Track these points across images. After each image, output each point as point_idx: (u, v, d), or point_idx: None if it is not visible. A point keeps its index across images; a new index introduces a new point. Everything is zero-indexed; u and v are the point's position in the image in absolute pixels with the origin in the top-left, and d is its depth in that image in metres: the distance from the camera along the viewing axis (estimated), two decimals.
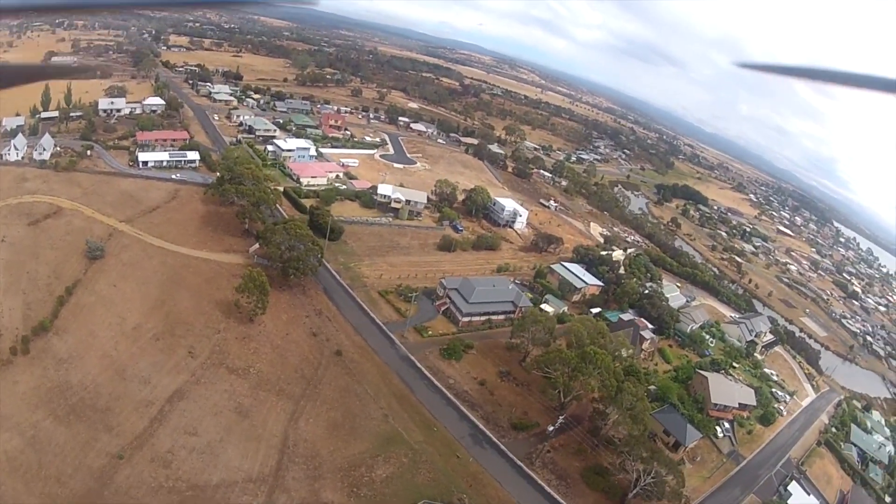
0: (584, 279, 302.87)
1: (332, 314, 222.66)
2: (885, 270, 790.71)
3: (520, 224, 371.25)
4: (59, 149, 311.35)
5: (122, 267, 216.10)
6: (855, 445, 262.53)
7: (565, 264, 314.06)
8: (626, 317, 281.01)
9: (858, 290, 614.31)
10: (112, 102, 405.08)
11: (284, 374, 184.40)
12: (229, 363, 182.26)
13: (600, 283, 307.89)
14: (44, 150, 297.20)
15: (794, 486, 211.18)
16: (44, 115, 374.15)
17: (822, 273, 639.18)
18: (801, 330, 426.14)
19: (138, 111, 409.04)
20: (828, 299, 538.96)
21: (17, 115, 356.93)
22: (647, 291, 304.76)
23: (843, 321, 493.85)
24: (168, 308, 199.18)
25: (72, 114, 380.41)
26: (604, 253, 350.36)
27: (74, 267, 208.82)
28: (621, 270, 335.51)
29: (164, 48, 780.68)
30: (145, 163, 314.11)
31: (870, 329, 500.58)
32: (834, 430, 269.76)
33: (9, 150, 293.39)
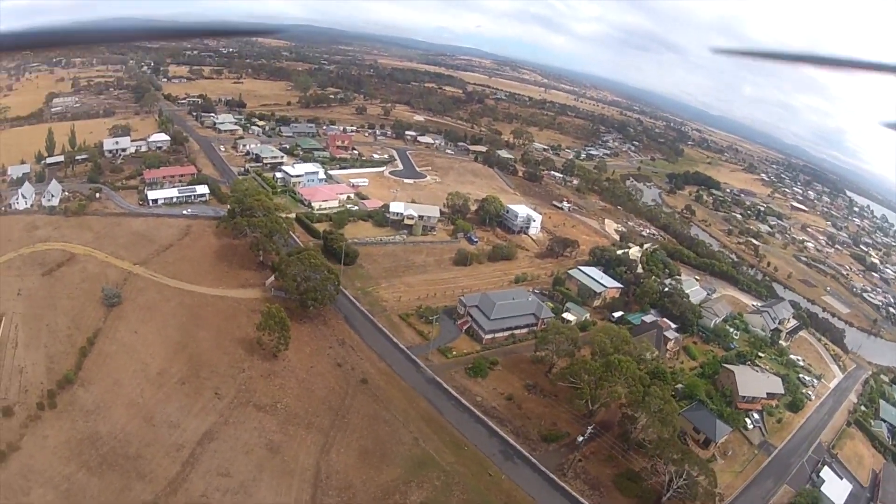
0: (603, 283, 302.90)
1: (354, 343, 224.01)
2: None
3: (534, 229, 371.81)
4: (67, 194, 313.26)
5: (141, 311, 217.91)
6: (885, 421, 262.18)
7: (583, 268, 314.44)
8: (649, 319, 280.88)
9: (877, 260, 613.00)
10: (117, 142, 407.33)
11: (312, 407, 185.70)
12: (256, 401, 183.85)
13: (619, 285, 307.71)
14: (52, 196, 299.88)
15: (826, 472, 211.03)
16: (49, 160, 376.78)
17: (840, 247, 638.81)
18: (824, 309, 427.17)
19: (144, 149, 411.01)
20: (847, 274, 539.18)
21: (23, 162, 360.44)
22: (667, 289, 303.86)
23: (865, 295, 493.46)
24: (190, 350, 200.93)
25: (77, 157, 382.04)
26: (620, 252, 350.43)
27: (93, 315, 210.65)
28: (639, 269, 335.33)
29: (165, 80, 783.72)
30: (155, 200, 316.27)
31: (891, 300, 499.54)
32: (863, 408, 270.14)
33: (17, 198, 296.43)
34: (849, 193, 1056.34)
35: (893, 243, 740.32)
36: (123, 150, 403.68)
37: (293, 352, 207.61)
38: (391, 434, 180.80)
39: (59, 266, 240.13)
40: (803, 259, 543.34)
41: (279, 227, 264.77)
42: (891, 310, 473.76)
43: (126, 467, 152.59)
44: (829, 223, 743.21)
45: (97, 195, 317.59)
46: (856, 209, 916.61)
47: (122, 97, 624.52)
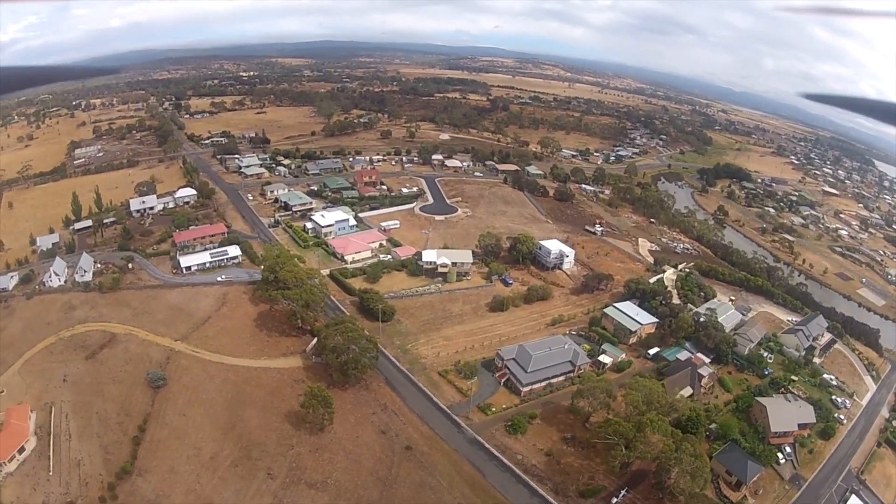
0: (639, 319, 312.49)
1: (397, 406, 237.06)
2: None
3: (568, 264, 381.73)
4: (99, 265, 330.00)
5: (187, 392, 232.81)
6: None
7: (618, 305, 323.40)
8: (683, 356, 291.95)
9: None
10: (143, 202, 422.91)
11: (360, 480, 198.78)
12: (307, 478, 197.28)
13: (655, 320, 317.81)
14: (84, 272, 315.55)
15: (853, 501, 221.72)
16: (77, 225, 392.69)
17: (873, 230, 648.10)
18: (860, 304, 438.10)
19: (171, 205, 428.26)
20: (882, 260, 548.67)
21: (51, 231, 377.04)
22: (702, 319, 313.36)
23: None
24: (239, 430, 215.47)
25: (105, 220, 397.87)
26: (654, 280, 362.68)
27: (140, 400, 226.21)
28: (674, 298, 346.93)
29: (187, 116, 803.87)
30: (188, 268, 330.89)
31: None
32: (895, 423, 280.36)
33: (49, 276, 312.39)
34: (877, 164, 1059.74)
35: None
36: (151, 208, 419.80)
37: (338, 422, 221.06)
38: (436, 500, 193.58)
39: (102, 348, 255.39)
40: (838, 249, 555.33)
41: (314, 296, 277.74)
42: None
43: None
44: (861, 205, 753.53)
45: (129, 266, 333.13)
46: (886, 183, 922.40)
47: (145, 141, 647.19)
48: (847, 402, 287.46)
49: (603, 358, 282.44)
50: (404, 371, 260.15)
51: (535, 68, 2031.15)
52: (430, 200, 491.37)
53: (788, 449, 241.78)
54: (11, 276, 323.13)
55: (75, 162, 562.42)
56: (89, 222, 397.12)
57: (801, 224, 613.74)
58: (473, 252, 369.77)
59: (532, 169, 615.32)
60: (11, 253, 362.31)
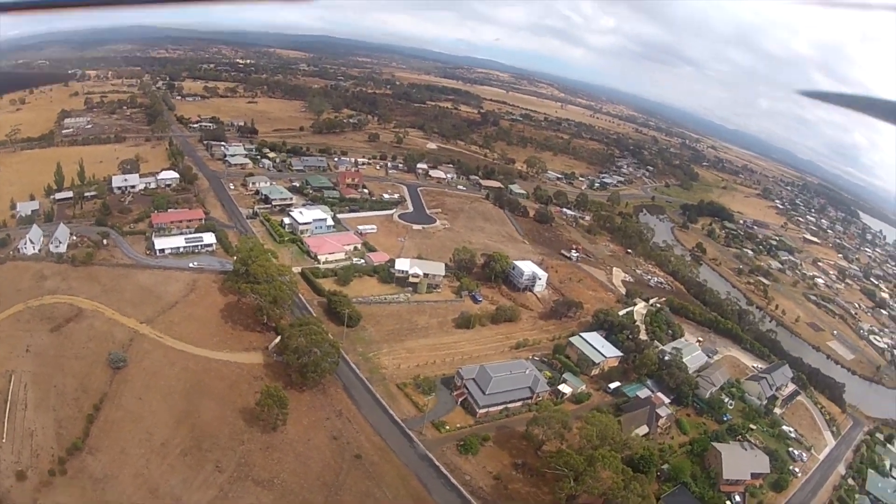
0: (603, 352, 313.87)
1: (351, 414, 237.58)
2: None
3: (539, 287, 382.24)
4: (75, 238, 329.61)
5: (146, 376, 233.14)
6: (869, 494, 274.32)
7: (583, 335, 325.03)
8: (643, 394, 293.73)
9: (886, 295, 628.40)
10: (126, 179, 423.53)
11: (307, 483, 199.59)
12: (255, 475, 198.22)
13: (619, 354, 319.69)
14: (60, 242, 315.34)
15: None
16: (58, 195, 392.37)
17: (850, 281, 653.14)
18: (829, 356, 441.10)
19: (153, 186, 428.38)
20: (856, 313, 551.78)
21: (32, 197, 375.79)
22: (666, 357, 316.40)
23: (871, 337, 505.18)
24: (193, 420, 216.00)
25: (86, 193, 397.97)
26: (623, 313, 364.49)
27: (100, 378, 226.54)
28: (642, 334, 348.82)
29: (179, 97, 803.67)
30: (162, 250, 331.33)
31: None
32: (850, 480, 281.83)
33: (25, 244, 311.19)
34: (862, 216, 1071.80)
35: None
36: (132, 187, 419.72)
37: (292, 423, 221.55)
38: None
39: (67, 322, 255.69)
40: (812, 298, 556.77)
41: (282, 294, 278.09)
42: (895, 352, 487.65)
43: None
44: (840, 255, 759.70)
45: (104, 242, 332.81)
46: (868, 235, 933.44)
47: (135, 118, 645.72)
48: (804, 455, 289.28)
49: (563, 387, 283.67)
50: (363, 379, 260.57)
51: (529, 85, 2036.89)
52: (410, 209, 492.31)
53: (738, 498, 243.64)
54: None
55: (64, 131, 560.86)
56: (70, 193, 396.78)
57: (779, 269, 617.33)
58: (447, 265, 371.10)
59: (515, 188, 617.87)
60: None
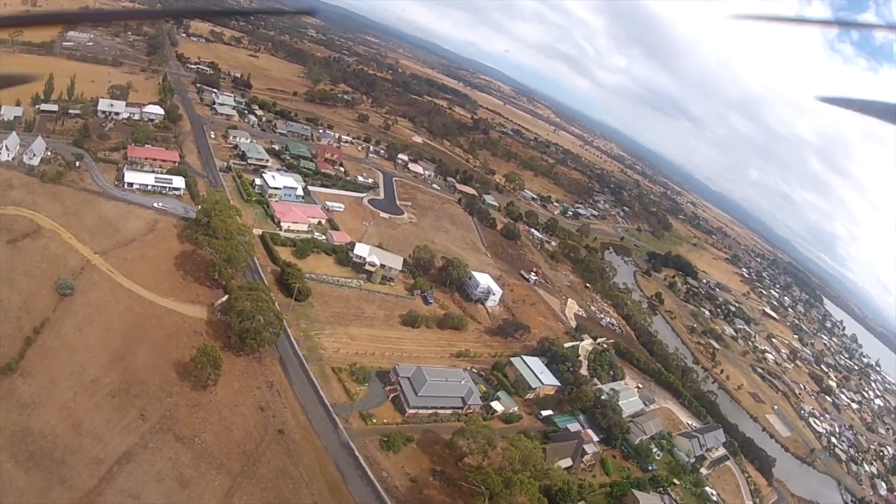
0: (541, 378, 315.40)
1: (282, 388, 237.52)
2: (865, 361, 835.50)
3: (492, 302, 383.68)
4: (49, 153, 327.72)
5: (90, 309, 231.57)
6: None
7: (525, 358, 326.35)
8: (573, 427, 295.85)
9: (833, 384, 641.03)
10: (112, 105, 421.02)
11: (227, 448, 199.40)
12: (177, 430, 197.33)
13: (557, 384, 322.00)
14: (34, 154, 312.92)
15: None
16: (43, 107, 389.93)
17: (800, 363, 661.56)
18: (764, 429, 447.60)
19: (136, 117, 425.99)
20: (800, 394, 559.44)
21: (18, 103, 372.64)
22: (603, 397, 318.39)
23: (811, 420, 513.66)
24: (127, 363, 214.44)
25: (71, 110, 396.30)
26: (569, 345, 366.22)
27: (45, 302, 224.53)
28: (583, 369, 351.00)
29: (185, 35, 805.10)
30: (130, 184, 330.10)
31: (836, 429, 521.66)
32: None
33: (1, 149, 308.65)
34: (826, 303, 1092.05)
35: (855, 367, 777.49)
36: (117, 114, 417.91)
37: (222, 386, 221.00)
38: (293, 492, 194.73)
39: (24, 237, 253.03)
40: (759, 370, 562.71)
41: (238, 254, 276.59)
42: (832, 440, 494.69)
43: (50, 469, 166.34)
44: (796, 337, 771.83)
45: (77, 164, 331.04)
46: (828, 324, 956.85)
47: (136, 45, 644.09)
48: None
49: (495, 404, 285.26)
50: (300, 356, 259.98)
51: (528, 103, 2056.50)
52: (381, 196, 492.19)
53: None
54: None
55: (65, 43, 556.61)
56: (55, 107, 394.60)
57: (732, 336, 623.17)
58: (405, 261, 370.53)
59: (489, 199, 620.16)
60: None
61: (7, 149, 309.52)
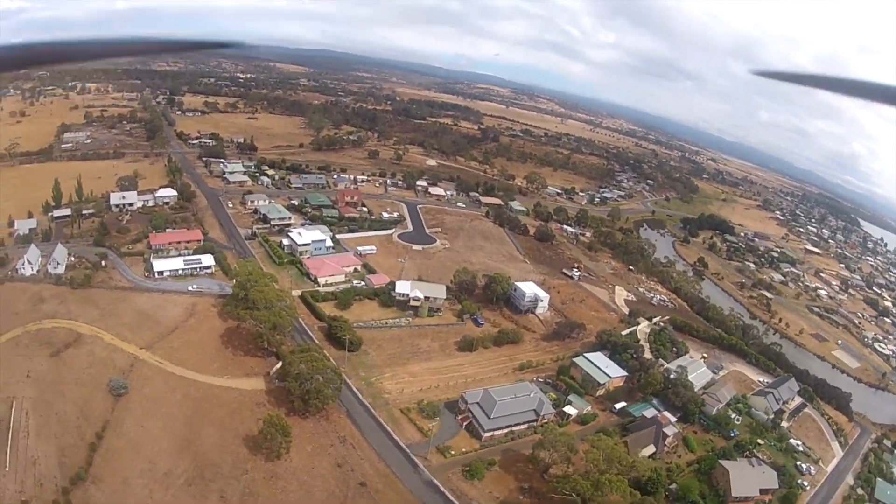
0: (608, 372, 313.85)
1: (355, 440, 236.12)
2: None
3: (542, 309, 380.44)
4: (73, 259, 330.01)
5: (147, 403, 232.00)
6: (878, 503, 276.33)
7: (588, 356, 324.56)
8: (649, 413, 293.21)
9: (889, 303, 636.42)
10: (123, 197, 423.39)
11: None
12: None
13: (624, 373, 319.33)
14: (58, 263, 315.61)
15: None
16: (56, 213, 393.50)
17: (853, 291, 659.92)
18: (834, 366, 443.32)
19: (151, 204, 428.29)
20: (859, 322, 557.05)
21: (30, 215, 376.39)
22: (672, 376, 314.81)
23: (876, 345, 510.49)
24: (196, 448, 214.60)
25: (84, 211, 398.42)
26: (627, 332, 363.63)
27: (101, 405, 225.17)
28: (646, 352, 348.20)
29: (179, 112, 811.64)
30: (160, 272, 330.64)
31: None
32: (859, 490, 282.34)
33: (23, 264, 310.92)
34: (863, 224, 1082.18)
35: None
36: (130, 205, 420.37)
37: (295, 450, 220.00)
38: None
39: (67, 347, 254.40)
40: (816, 309, 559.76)
41: (282, 320, 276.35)
42: None
43: None
44: (842, 266, 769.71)
45: (103, 263, 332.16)
46: (870, 244, 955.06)
47: (135, 133, 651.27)
48: (812, 468, 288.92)
49: (568, 409, 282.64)
50: (366, 405, 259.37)
51: (529, 100, 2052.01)
52: (410, 228, 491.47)
53: None
54: None
55: (63, 146, 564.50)
56: (68, 211, 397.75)
57: (781, 281, 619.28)
58: (448, 287, 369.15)
59: (515, 204, 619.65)
60: None
61: (29, 263, 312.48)
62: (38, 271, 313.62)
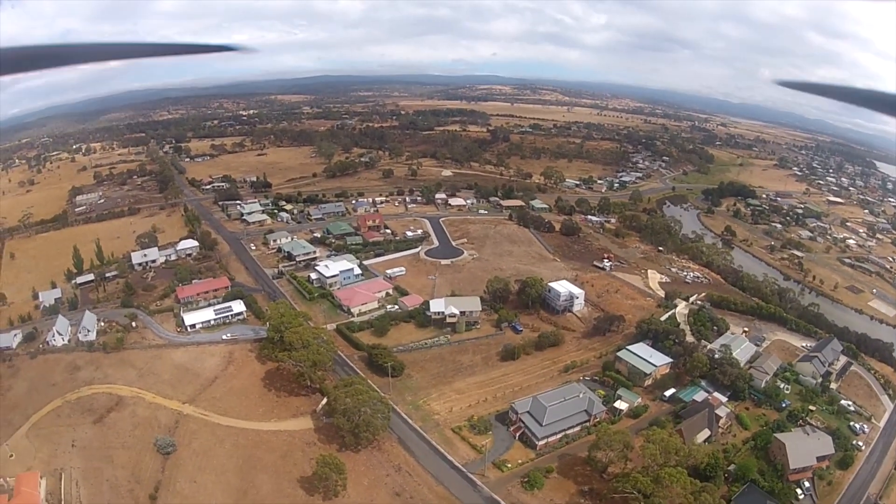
0: (653, 361, 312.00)
1: (410, 467, 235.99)
2: None
3: (578, 306, 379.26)
4: (102, 323, 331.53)
5: (197, 458, 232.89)
6: None
7: (631, 348, 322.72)
8: (700, 397, 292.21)
9: None
10: (145, 255, 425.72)
11: None
12: None
13: (669, 360, 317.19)
14: (88, 331, 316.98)
15: None
16: (79, 279, 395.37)
17: (881, 235, 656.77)
18: (872, 317, 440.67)
19: (173, 257, 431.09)
20: (891, 267, 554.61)
21: (53, 285, 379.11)
22: (716, 356, 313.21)
23: None
24: (252, 497, 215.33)
25: (107, 273, 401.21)
26: (666, 317, 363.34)
27: (151, 466, 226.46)
28: (687, 335, 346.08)
29: (188, 159, 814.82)
30: (193, 325, 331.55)
31: None
32: None
33: (53, 336, 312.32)
34: (879, 166, 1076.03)
35: None
36: (153, 261, 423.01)
37: (352, 486, 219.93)
38: None
39: (109, 412, 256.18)
40: (847, 261, 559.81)
41: (321, 356, 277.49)
42: None
43: None
44: (866, 211, 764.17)
45: (133, 324, 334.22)
46: (889, 185, 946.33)
47: (147, 186, 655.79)
48: (865, 426, 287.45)
49: (618, 404, 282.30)
50: (417, 429, 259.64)
51: (533, 94, 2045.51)
52: (436, 243, 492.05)
53: (807, 484, 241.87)
54: (15, 335, 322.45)
55: (76, 209, 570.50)
56: (91, 276, 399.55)
57: (809, 237, 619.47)
58: (482, 298, 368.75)
59: (537, 203, 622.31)
60: (14, 307, 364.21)
61: (59, 333, 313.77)
62: (69, 340, 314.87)
